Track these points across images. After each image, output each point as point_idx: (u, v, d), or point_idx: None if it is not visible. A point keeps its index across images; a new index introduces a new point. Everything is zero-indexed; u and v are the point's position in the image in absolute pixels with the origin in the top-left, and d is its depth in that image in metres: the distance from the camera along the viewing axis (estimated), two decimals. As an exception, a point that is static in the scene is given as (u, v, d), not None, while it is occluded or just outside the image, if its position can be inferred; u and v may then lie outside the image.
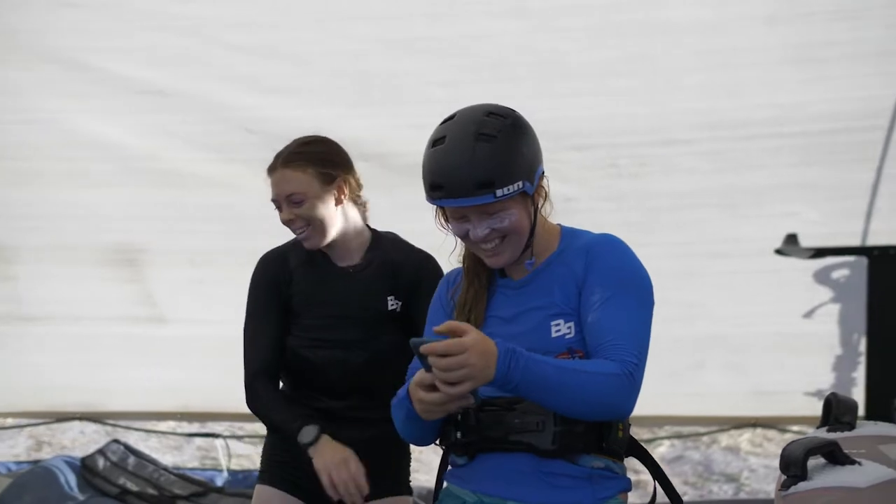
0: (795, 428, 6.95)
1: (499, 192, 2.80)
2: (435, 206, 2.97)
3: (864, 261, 6.28)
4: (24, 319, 7.02)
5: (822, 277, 6.49)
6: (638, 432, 4.07)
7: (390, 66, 6.30)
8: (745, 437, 7.36)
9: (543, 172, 2.96)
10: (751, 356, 6.49)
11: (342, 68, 6.35)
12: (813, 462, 3.08)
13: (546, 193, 2.98)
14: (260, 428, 7.63)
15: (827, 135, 6.21)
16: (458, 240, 3.01)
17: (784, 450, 2.97)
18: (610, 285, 2.84)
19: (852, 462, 3.06)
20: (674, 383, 6.43)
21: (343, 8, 6.26)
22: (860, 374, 6.40)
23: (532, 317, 2.90)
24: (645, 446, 3.12)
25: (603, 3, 6.04)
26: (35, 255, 6.88)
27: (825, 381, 6.50)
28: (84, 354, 7.01)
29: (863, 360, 6.40)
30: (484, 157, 2.81)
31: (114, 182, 6.64)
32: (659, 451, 7.19)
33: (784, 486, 2.99)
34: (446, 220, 2.99)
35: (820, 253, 6.11)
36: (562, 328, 2.86)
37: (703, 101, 6.13)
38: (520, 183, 2.84)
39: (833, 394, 3.73)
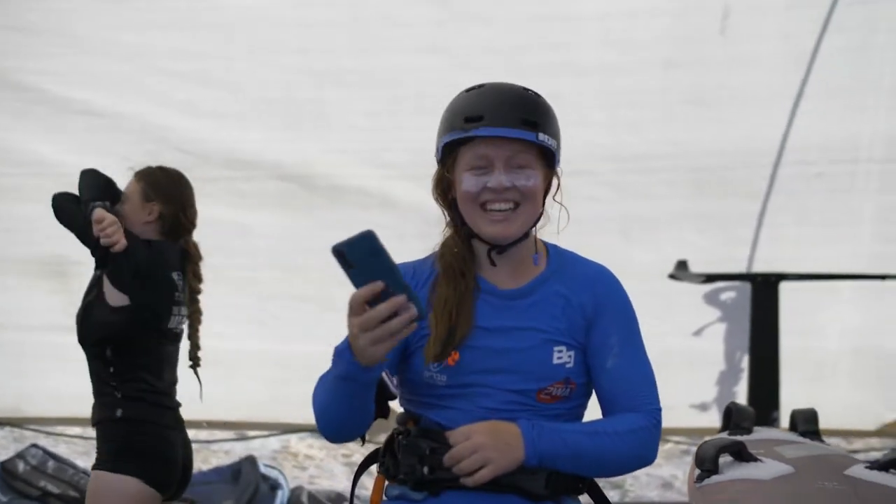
0: (676, 439, 7.33)
1: (541, 136, 2.60)
2: (435, 176, 2.75)
3: (748, 285, 6.66)
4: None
5: (711, 299, 6.84)
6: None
7: (317, 95, 6.68)
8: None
9: (559, 167, 2.73)
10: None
11: (272, 96, 6.72)
12: (722, 459, 3.55)
13: (555, 194, 2.74)
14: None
15: (717, 170, 6.67)
16: (447, 227, 2.76)
17: (699, 448, 3.39)
18: (623, 328, 2.72)
19: (755, 459, 3.52)
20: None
21: (275, 40, 6.65)
22: (741, 388, 6.78)
23: (529, 337, 2.66)
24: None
25: (518, 44, 6.48)
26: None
27: (709, 394, 6.86)
28: (5, 361, 7.18)
29: (744, 375, 6.75)
30: (531, 101, 2.64)
31: (49, 198, 6.87)
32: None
33: (699, 479, 3.44)
34: (442, 190, 2.74)
35: (710, 279, 6.47)
36: (563, 356, 2.67)
37: (607, 136, 6.54)
38: (556, 143, 2.65)
39: (733, 403, 4.19)
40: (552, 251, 2.78)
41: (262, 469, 6.31)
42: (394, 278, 2.30)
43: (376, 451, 2.78)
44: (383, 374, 2.58)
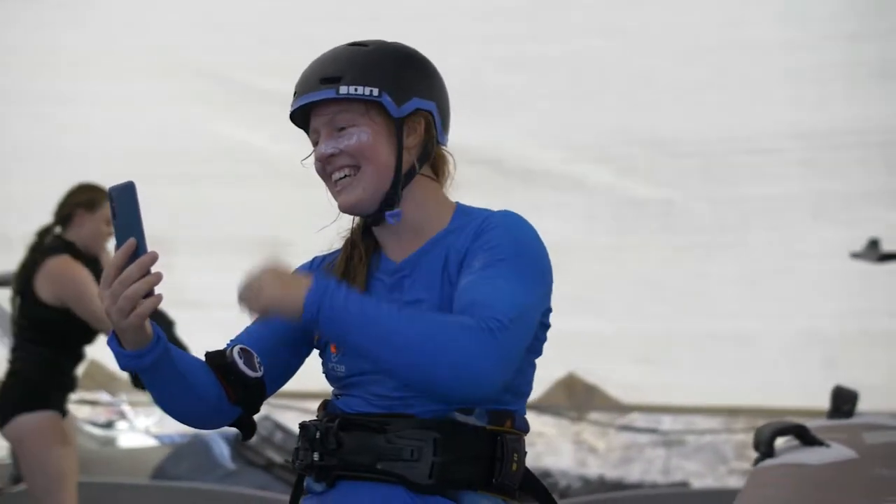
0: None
1: (343, 89, 2.35)
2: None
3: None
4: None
5: None
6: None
7: (501, 81, 6.96)
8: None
9: (434, 116, 2.44)
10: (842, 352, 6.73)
11: (459, 82, 6.91)
12: (785, 443, 3.55)
13: (433, 149, 2.45)
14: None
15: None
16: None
17: (756, 431, 3.44)
18: (496, 254, 2.32)
19: (820, 444, 3.50)
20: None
21: (462, 29, 6.92)
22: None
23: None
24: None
25: (691, 22, 6.52)
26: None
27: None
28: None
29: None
30: (342, 57, 2.41)
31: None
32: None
33: (754, 462, 3.48)
34: None
35: (884, 258, 6.27)
36: None
37: (792, 112, 6.48)
38: (374, 90, 2.37)
39: (838, 385, 4.15)
40: (459, 212, 2.48)
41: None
42: (143, 239, 2.12)
43: None
44: (234, 355, 2.35)
